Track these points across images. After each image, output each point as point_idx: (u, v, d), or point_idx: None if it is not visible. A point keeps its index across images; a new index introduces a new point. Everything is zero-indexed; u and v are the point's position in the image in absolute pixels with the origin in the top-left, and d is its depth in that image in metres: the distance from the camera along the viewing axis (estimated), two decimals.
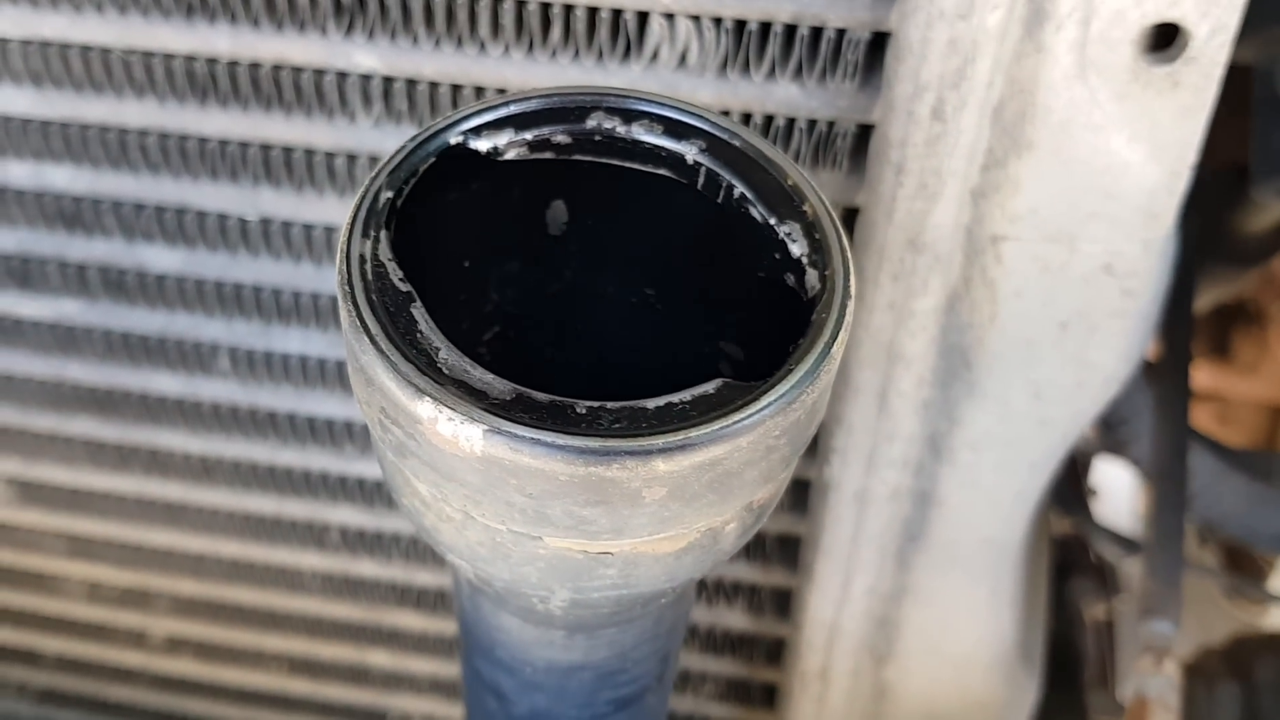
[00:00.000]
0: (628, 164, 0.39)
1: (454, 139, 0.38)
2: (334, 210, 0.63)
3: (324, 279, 0.65)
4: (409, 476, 0.34)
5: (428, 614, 0.81)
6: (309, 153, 0.61)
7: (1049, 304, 0.59)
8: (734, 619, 0.76)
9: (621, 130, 0.39)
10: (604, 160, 0.39)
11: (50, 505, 0.79)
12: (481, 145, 0.38)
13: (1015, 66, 0.52)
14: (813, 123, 0.57)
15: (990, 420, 0.63)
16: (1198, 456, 1.26)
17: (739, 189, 0.38)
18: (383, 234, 0.35)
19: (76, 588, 0.83)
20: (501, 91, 0.58)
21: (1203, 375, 1.34)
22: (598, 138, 0.39)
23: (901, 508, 0.67)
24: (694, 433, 0.31)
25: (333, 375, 0.69)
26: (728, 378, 0.39)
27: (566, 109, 0.39)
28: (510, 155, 0.38)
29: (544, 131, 0.38)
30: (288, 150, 0.62)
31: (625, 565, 0.34)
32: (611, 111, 0.39)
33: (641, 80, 0.56)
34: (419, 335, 0.33)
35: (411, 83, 0.58)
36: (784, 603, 0.75)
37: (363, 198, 0.36)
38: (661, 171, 0.39)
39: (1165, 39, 0.52)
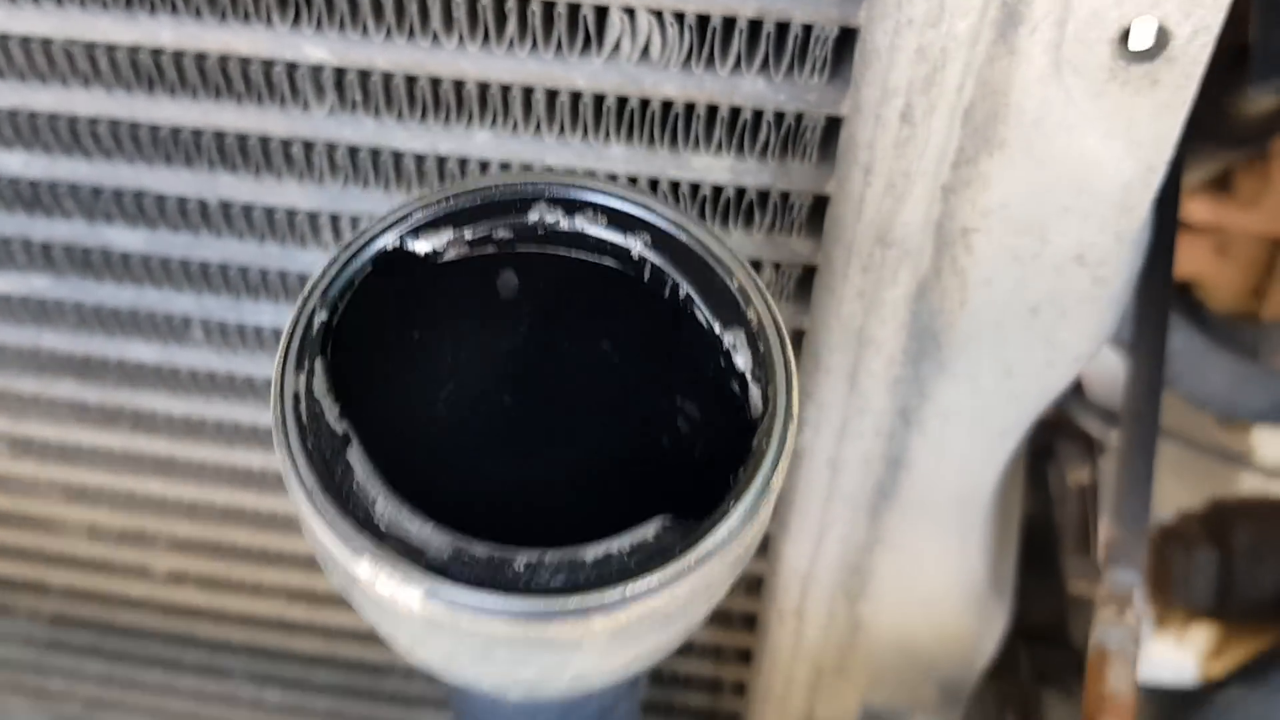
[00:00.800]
0: (573, 253, 0.38)
1: (390, 243, 0.37)
2: (294, 194, 0.61)
3: (290, 258, 0.65)
4: (356, 607, 0.35)
5: None
6: (264, 140, 0.60)
7: (1019, 291, 0.58)
8: None
9: (565, 224, 0.38)
10: (549, 251, 0.38)
11: (41, 458, 0.80)
12: (420, 247, 0.37)
13: (987, 69, 0.50)
14: (780, 115, 0.55)
15: (960, 395, 0.63)
16: (1181, 335, 1.26)
17: (684, 289, 0.37)
18: (318, 364, 0.34)
19: (76, 529, 0.86)
20: (459, 83, 0.56)
21: (1202, 208, 1.33)
22: (540, 231, 0.38)
23: (873, 471, 0.68)
24: (630, 588, 0.31)
25: None
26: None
27: (508, 201, 0.38)
28: (450, 255, 0.37)
29: (484, 227, 0.37)
30: (242, 137, 0.60)
31: (573, 679, 0.35)
32: (554, 202, 0.38)
33: (603, 73, 0.54)
34: (355, 485, 0.33)
35: (364, 73, 0.56)
36: (761, 546, 0.76)
37: (295, 323, 0.35)
38: (607, 262, 0.38)
39: (1144, 38, 0.49)
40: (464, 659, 0.34)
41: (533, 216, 0.38)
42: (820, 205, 0.58)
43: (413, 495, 0.33)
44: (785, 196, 0.58)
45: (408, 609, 0.32)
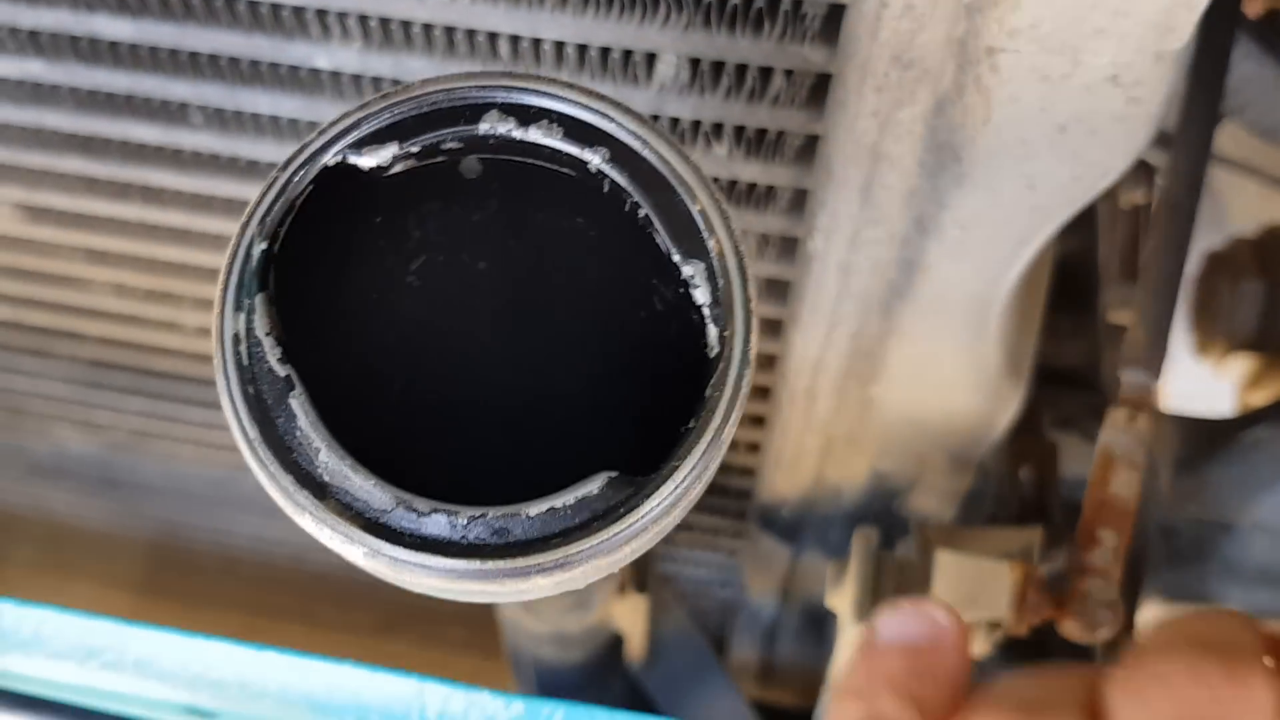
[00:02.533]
0: (529, 162, 0.36)
1: (331, 159, 0.35)
2: None
3: (279, 50, 0.62)
4: None
5: None
6: None
7: (1047, 109, 0.54)
8: None
9: (518, 134, 0.35)
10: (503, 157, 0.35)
11: (59, 225, 0.80)
12: (364, 162, 0.35)
13: None
14: None
15: (980, 205, 0.61)
16: (1252, 62, 1.18)
17: (644, 210, 0.35)
18: (258, 300, 0.33)
19: (102, 288, 0.87)
20: None
21: None
22: (491, 141, 0.35)
23: (886, 273, 0.66)
24: (572, 549, 0.32)
25: (309, 131, 0.67)
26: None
27: (456, 109, 0.35)
28: (396, 169, 0.35)
29: (432, 138, 0.35)
30: None
31: (538, 600, 0.36)
32: (507, 111, 0.35)
33: None
34: (298, 433, 0.32)
35: None
36: (775, 328, 0.76)
37: (234, 255, 0.33)
38: (566, 172, 0.36)
39: None
40: (426, 589, 0.35)
41: (483, 127, 0.35)
42: (836, 13, 0.53)
43: (356, 439, 0.33)
44: (798, 4, 0.53)
45: (355, 559, 0.32)
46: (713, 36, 0.55)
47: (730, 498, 0.98)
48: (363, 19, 0.59)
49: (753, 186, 0.64)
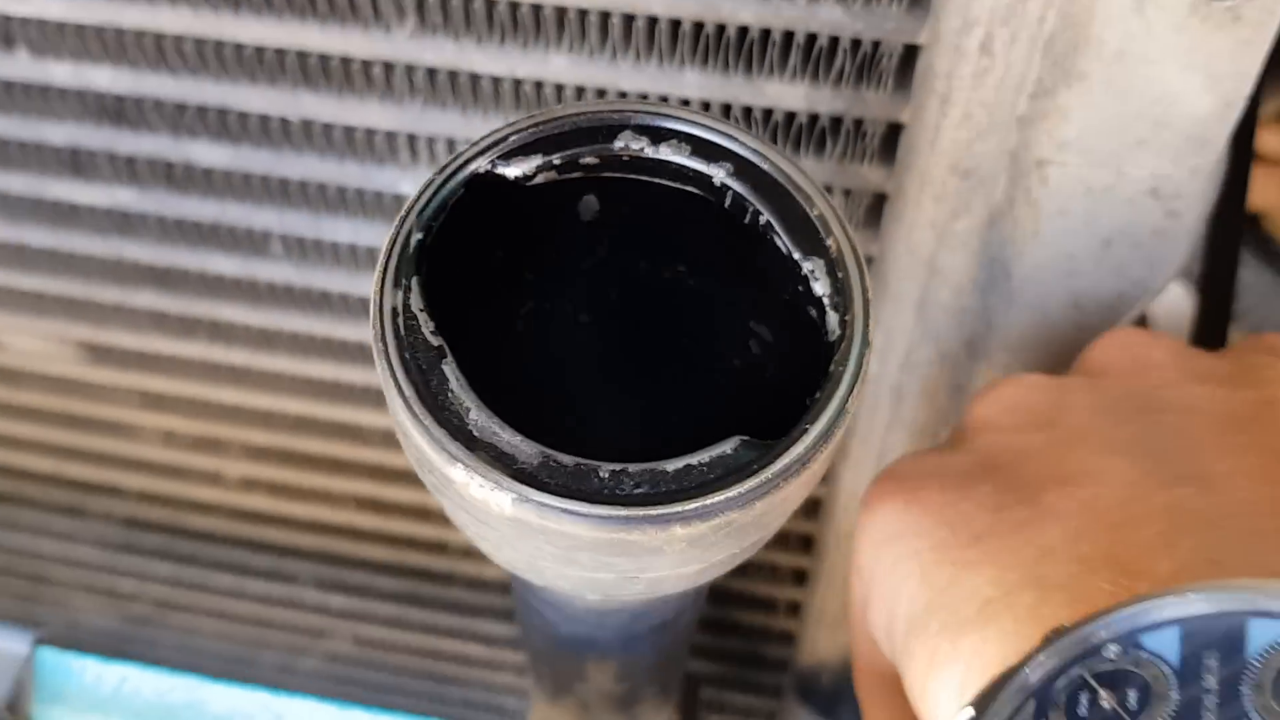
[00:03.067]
0: (656, 180, 0.39)
1: (482, 167, 0.38)
2: (374, 114, 0.63)
3: (368, 177, 0.66)
4: (446, 509, 0.37)
5: None
6: (346, 60, 0.61)
7: (1092, 223, 0.58)
8: None
9: (650, 151, 0.39)
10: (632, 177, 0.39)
11: (120, 365, 0.83)
12: (510, 171, 0.38)
13: (1069, 1, 0.50)
14: (857, 43, 0.55)
15: (1027, 325, 0.64)
16: (1250, 269, 1.24)
17: (765, 216, 0.38)
18: (414, 281, 0.36)
19: (151, 435, 0.88)
20: (536, 7, 0.56)
21: (1275, 139, 1.30)
22: (625, 158, 0.39)
23: (936, 399, 0.68)
24: (710, 500, 0.33)
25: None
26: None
27: (595, 128, 0.39)
28: (539, 180, 0.38)
29: (571, 153, 0.38)
30: (324, 58, 0.61)
31: (649, 585, 0.37)
32: (640, 130, 0.39)
33: None
34: (450, 394, 0.34)
35: None
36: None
37: (393, 243, 0.36)
38: (690, 189, 0.39)
39: None
40: (547, 561, 0.36)
41: (619, 144, 0.39)
42: (894, 134, 0.58)
43: (500, 409, 0.34)
44: (859, 124, 0.58)
45: (499, 511, 0.33)
46: None
47: (767, 670, 0.96)
48: (450, 144, 0.64)
49: None
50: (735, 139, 0.39)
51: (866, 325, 0.36)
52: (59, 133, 0.68)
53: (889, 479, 0.49)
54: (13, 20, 0.63)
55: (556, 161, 0.39)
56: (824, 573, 0.82)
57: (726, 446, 0.34)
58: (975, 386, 0.67)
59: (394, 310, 0.36)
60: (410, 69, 0.60)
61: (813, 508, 0.81)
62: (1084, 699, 0.34)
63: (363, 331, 0.75)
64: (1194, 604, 0.34)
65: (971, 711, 0.36)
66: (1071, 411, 0.47)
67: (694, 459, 0.34)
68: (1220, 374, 0.49)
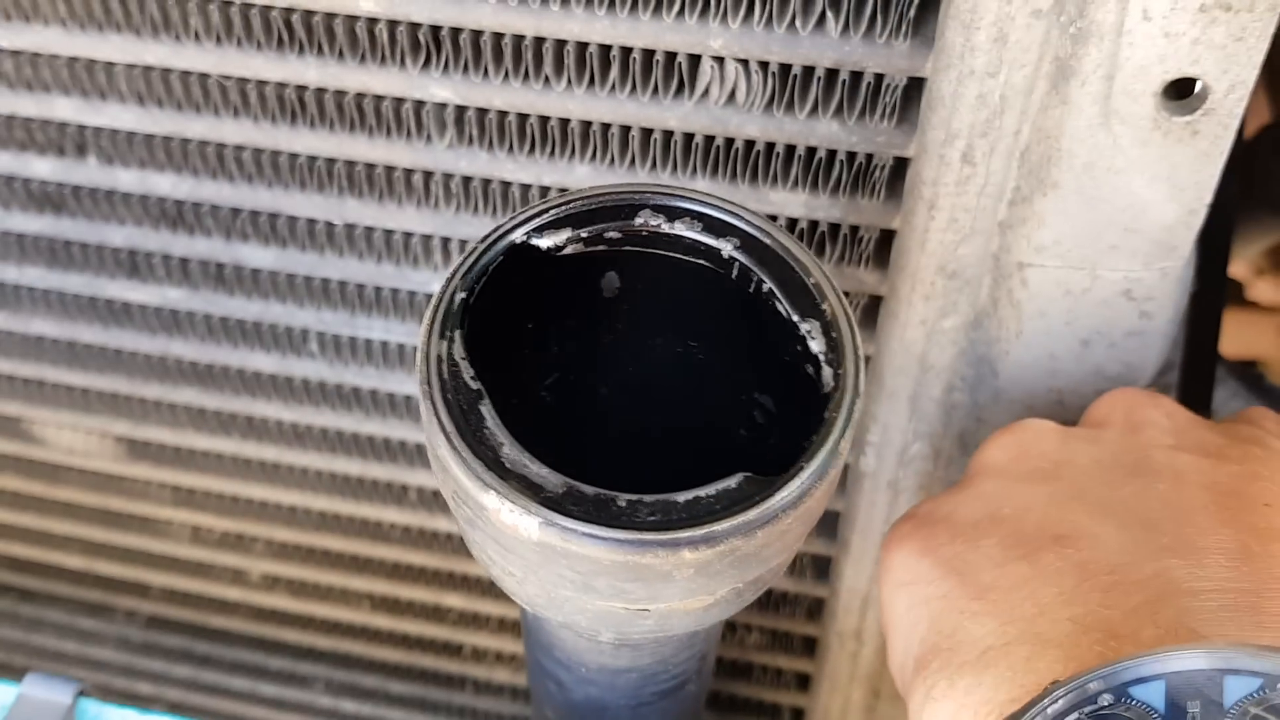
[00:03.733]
0: (670, 254, 0.44)
1: (519, 238, 0.43)
2: (412, 219, 0.68)
3: (402, 277, 0.71)
4: (476, 543, 0.41)
5: None
6: (389, 169, 0.67)
7: (1071, 323, 0.63)
8: (778, 580, 0.82)
9: (666, 227, 0.44)
10: (650, 250, 0.44)
11: (157, 461, 0.87)
12: (543, 243, 0.43)
13: (1041, 116, 0.56)
14: (852, 155, 0.61)
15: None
16: (1236, 398, 1.28)
17: (767, 284, 0.43)
18: (457, 334, 0.41)
19: (180, 531, 0.92)
20: (564, 121, 0.63)
21: (1269, 288, 1.34)
22: (644, 233, 0.44)
23: (931, 494, 0.72)
24: (716, 527, 0.37)
25: (410, 359, 0.76)
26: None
27: (618, 207, 0.44)
28: (568, 251, 0.44)
29: (598, 228, 0.44)
30: (370, 166, 0.67)
31: (660, 619, 0.41)
32: (657, 209, 0.44)
33: (693, 115, 0.61)
34: (486, 432, 0.39)
35: (482, 111, 0.63)
36: (824, 568, 0.81)
37: (440, 299, 0.41)
38: (700, 262, 0.44)
39: (1185, 91, 0.55)
40: (567, 590, 0.39)
41: (639, 220, 0.44)
42: (887, 239, 0.63)
43: (528, 448, 0.39)
44: (855, 230, 0.63)
45: (527, 536, 0.37)
46: None
47: None
48: None
49: None
50: (741, 217, 0.44)
51: (857, 377, 0.41)
52: (119, 235, 0.74)
53: (909, 521, 0.54)
54: (86, 129, 0.70)
55: (584, 235, 0.44)
56: (825, 673, 0.85)
57: (731, 481, 0.38)
58: None
59: (439, 358, 0.40)
60: (448, 176, 0.66)
61: (815, 607, 0.83)
62: None
63: (389, 427, 0.79)
64: (1178, 661, 0.38)
65: None
66: (1073, 464, 0.52)
67: (702, 491, 0.38)
68: (1210, 446, 0.53)
